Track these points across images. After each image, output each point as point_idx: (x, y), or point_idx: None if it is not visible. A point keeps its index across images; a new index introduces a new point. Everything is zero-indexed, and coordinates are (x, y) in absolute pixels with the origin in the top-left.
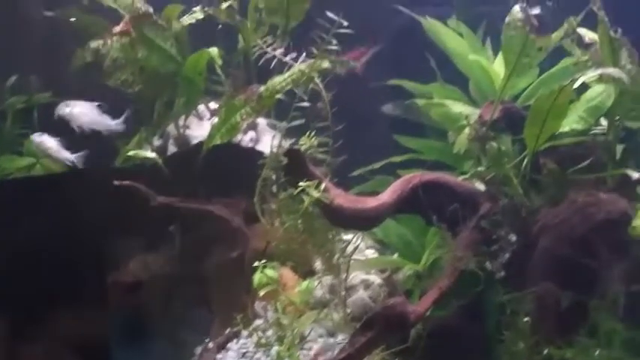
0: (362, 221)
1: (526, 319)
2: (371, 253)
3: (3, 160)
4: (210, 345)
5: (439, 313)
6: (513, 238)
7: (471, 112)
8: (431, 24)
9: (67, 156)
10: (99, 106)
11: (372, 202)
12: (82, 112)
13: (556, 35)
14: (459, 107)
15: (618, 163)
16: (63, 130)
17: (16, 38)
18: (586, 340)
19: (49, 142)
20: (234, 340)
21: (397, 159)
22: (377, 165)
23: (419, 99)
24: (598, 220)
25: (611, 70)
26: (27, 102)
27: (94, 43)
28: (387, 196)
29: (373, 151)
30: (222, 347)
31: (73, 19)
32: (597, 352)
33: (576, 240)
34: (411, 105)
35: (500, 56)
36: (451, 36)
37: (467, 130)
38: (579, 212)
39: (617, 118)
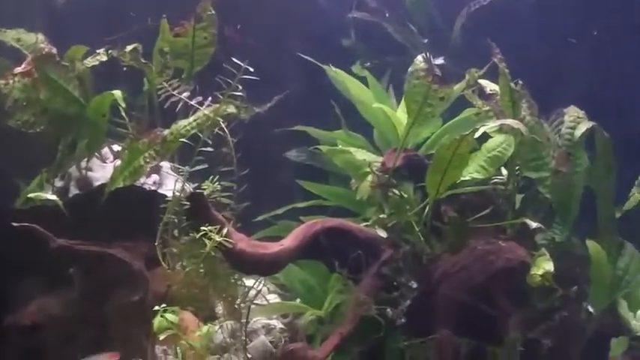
0: (264, 266)
1: None
2: (273, 298)
3: None
4: None
5: (340, 359)
6: (414, 284)
7: (374, 160)
8: (335, 72)
9: None
10: None
11: (274, 248)
12: None
13: (458, 86)
14: (362, 154)
15: (517, 212)
16: None
17: None
18: None
19: None
20: None
21: (301, 204)
22: (280, 210)
23: (323, 145)
24: (497, 268)
25: (511, 121)
26: None
27: None
28: (289, 241)
29: (277, 196)
30: None
31: None
32: None
33: (476, 287)
34: (315, 151)
35: (403, 105)
36: (355, 84)
37: (369, 178)
38: (479, 260)
39: (517, 167)
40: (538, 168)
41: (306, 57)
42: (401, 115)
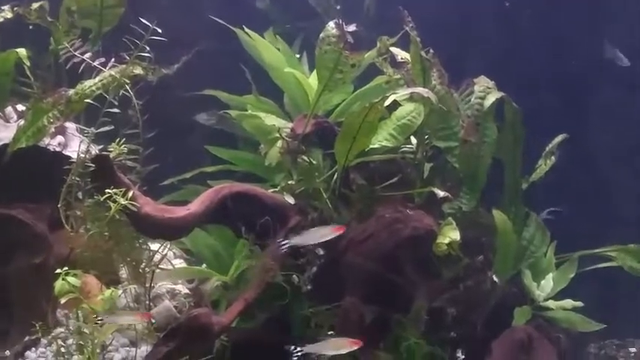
0: (169, 230)
1: (330, 332)
2: (178, 263)
3: None
4: (7, 353)
5: (245, 325)
6: (321, 252)
7: (284, 126)
8: (247, 35)
9: None
10: None
11: (180, 212)
12: None
13: (370, 53)
14: (272, 120)
15: (426, 181)
16: None
17: None
18: (386, 354)
19: None
20: (33, 349)
21: (209, 169)
22: (188, 174)
23: (233, 110)
24: (404, 236)
25: (421, 90)
26: None
27: None
28: (195, 206)
29: (185, 160)
30: (19, 355)
31: None
32: None
33: (382, 255)
34: (225, 115)
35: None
36: (267, 48)
37: (279, 143)
38: (386, 228)
39: (426, 136)
40: (447, 137)
41: (217, 19)
42: (312, 81)
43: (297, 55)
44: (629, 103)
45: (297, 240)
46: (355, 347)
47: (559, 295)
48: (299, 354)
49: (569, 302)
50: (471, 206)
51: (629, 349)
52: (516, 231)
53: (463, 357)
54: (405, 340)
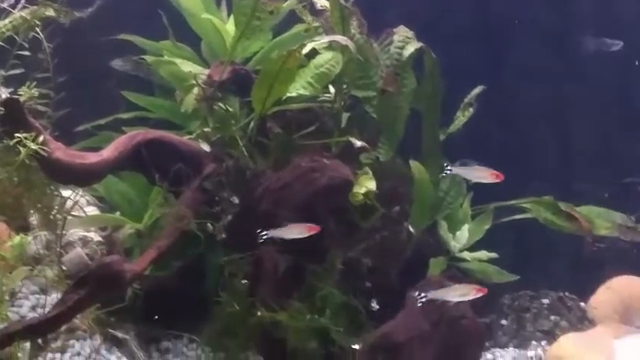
0: (81, 176)
1: (244, 281)
2: (91, 211)
3: None
4: None
5: (159, 273)
6: (236, 200)
7: (201, 72)
8: None
9: None
10: None
11: (92, 158)
12: None
13: (289, 1)
14: (188, 66)
15: (343, 131)
16: None
17: None
18: (300, 304)
19: None
20: None
21: (124, 115)
22: (103, 121)
23: (149, 56)
24: (320, 185)
25: (339, 38)
26: None
27: None
28: (108, 152)
29: (100, 106)
30: None
31: None
32: (308, 317)
33: (298, 204)
34: (141, 61)
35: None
36: None
37: (195, 90)
38: (302, 177)
39: (345, 86)
40: (365, 87)
41: None
42: (230, 27)
43: None
44: (549, 57)
45: (457, 170)
46: (480, 294)
47: (474, 247)
48: (423, 299)
49: (483, 253)
50: (387, 156)
51: (542, 300)
52: (433, 182)
53: (377, 307)
54: (319, 290)
